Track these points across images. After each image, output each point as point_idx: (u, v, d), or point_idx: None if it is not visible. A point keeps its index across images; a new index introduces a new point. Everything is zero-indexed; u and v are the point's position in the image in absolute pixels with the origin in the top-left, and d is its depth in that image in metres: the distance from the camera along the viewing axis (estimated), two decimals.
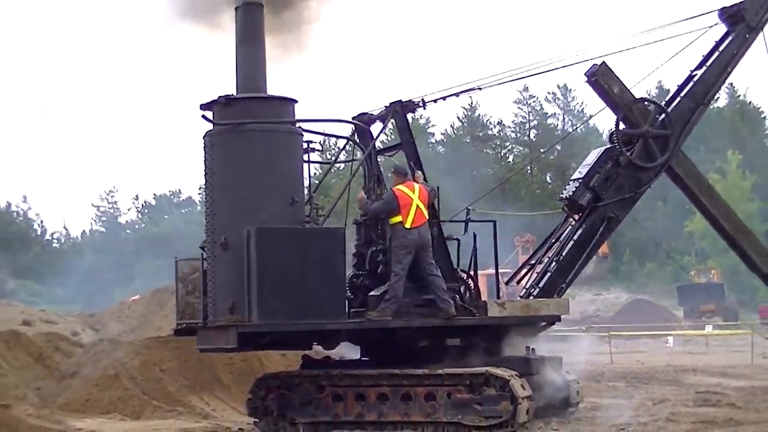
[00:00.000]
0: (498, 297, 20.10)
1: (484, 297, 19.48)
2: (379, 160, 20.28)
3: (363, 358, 19.32)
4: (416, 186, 18.06)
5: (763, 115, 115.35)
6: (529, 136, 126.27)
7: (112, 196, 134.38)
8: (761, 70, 22.29)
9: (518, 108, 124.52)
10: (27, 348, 23.27)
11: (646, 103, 21.19)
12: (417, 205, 17.78)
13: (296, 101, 18.23)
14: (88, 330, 27.92)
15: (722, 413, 18.93)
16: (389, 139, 23.64)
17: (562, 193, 21.04)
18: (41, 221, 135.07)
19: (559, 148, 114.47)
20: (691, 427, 17.10)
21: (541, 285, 20.09)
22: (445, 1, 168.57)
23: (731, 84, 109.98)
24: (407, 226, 17.72)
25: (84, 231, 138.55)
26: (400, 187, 17.99)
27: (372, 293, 18.05)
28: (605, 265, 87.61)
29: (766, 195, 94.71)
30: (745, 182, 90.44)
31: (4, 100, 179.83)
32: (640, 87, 21.06)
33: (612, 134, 20.66)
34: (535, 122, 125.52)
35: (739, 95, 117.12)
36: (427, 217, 17.93)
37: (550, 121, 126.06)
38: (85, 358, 23.11)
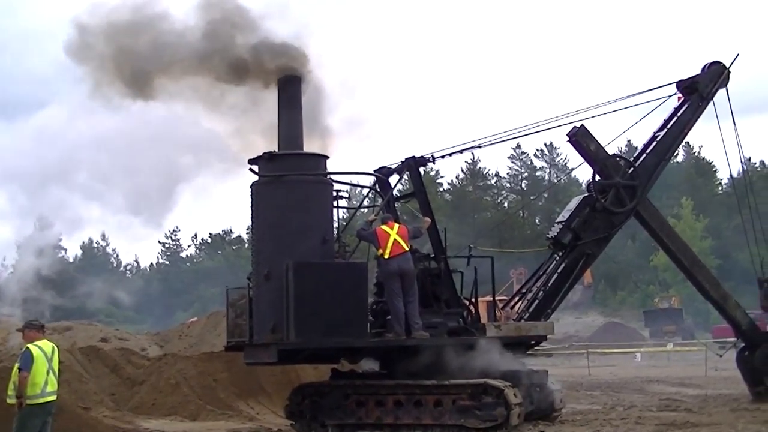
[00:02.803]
0: (495, 320, 19.99)
1: (483, 320, 19.41)
2: (396, 205, 20.28)
3: (382, 371, 19.24)
4: (395, 225, 18.09)
5: (714, 169, 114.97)
6: (521, 185, 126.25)
7: (175, 235, 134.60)
8: (712, 131, 22.19)
9: (512, 162, 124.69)
10: (104, 360, 23.23)
11: (617, 158, 21.14)
12: (394, 239, 17.77)
13: (328, 157, 18.30)
14: (154, 346, 27.83)
15: (681, 417, 18.77)
16: (404, 188, 23.63)
17: (549, 234, 21.00)
18: (117, 255, 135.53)
19: (546, 195, 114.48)
20: (655, 429, 16.96)
21: (530, 310, 20.02)
22: (452, 74, 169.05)
23: (688, 142, 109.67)
24: (386, 256, 17.74)
25: (152, 263, 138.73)
26: (381, 226, 18.04)
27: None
28: (589, 292, 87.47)
29: (717, 234, 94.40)
30: (699, 224, 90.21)
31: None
32: (613, 145, 20.99)
33: (589, 185, 20.63)
34: (526, 174, 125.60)
35: (695, 152, 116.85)
36: (406, 249, 17.84)
37: (538, 173, 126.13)
38: (152, 369, 23.06)
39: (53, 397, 13.87)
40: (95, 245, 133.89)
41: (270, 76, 18.45)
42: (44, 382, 13.65)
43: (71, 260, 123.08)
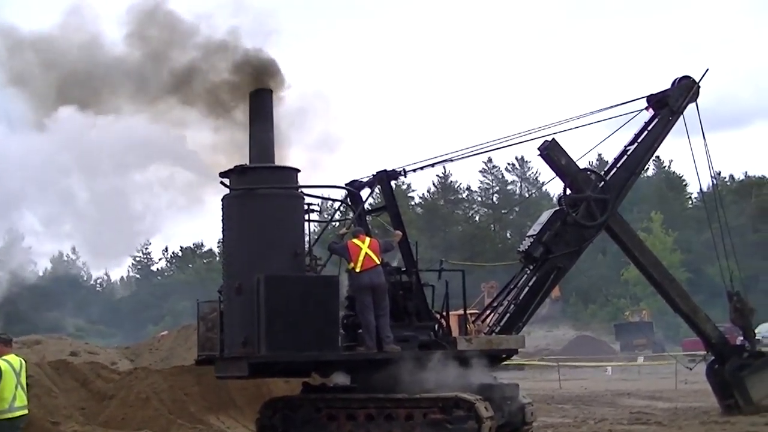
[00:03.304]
0: (466, 333, 19.99)
1: (454, 333, 19.40)
2: (367, 219, 20.27)
3: (353, 385, 19.18)
4: (367, 238, 18.10)
5: (684, 183, 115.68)
6: (492, 199, 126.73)
7: (146, 248, 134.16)
8: (683, 146, 22.38)
9: (483, 176, 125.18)
10: (74, 374, 23.08)
11: (588, 172, 21.24)
12: (366, 253, 17.77)
13: (299, 170, 18.25)
14: (124, 360, 27.74)
15: (651, 430, 18.87)
16: (376, 201, 23.64)
17: (520, 247, 21.03)
18: (87, 268, 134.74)
19: (517, 209, 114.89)
20: None
21: (501, 324, 20.02)
22: (424, 88, 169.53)
23: (658, 157, 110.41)
24: (357, 270, 17.74)
25: (122, 277, 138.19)
26: (353, 239, 18.04)
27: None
28: (558, 306, 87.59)
29: (687, 248, 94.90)
30: (668, 238, 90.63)
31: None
32: (584, 159, 21.13)
33: (561, 198, 20.70)
34: (498, 188, 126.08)
35: (665, 166, 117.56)
36: (378, 262, 17.85)
37: (509, 187, 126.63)
38: (122, 383, 22.92)
39: (22, 412, 13.74)
40: (65, 258, 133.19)
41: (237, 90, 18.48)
42: (12, 396, 13.52)
43: (41, 273, 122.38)
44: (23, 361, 14.01)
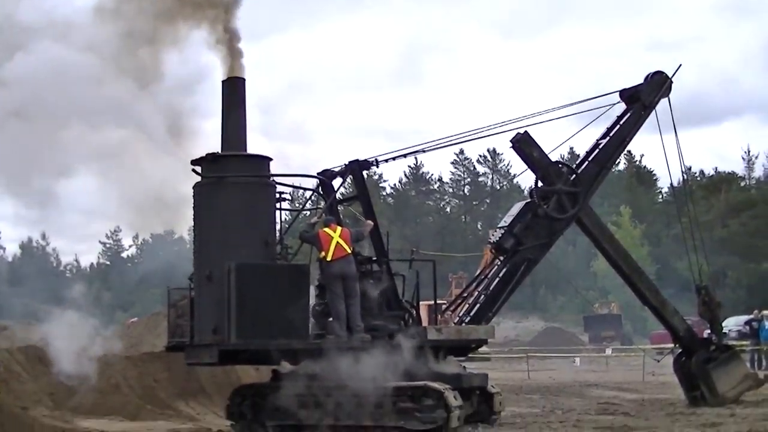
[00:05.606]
0: (436, 323, 20.03)
1: (424, 323, 19.45)
2: (339, 208, 20.28)
3: (322, 373, 19.18)
4: (338, 228, 18.14)
5: (655, 177, 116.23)
6: (463, 191, 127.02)
7: (116, 235, 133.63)
8: (654, 140, 22.49)
9: (455, 168, 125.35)
10: (43, 360, 23.00)
11: (560, 165, 21.29)
12: (337, 242, 17.80)
13: (271, 159, 18.23)
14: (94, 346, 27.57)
15: (619, 421, 18.97)
16: (347, 191, 23.64)
17: (491, 239, 21.09)
18: (57, 254, 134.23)
19: (488, 201, 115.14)
20: None
21: (471, 314, 20.07)
22: (396, 78, 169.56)
23: (629, 151, 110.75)
24: (328, 259, 17.76)
25: (92, 263, 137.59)
26: (324, 229, 18.06)
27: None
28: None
29: (656, 242, 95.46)
30: (636, 231, 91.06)
31: None
32: (556, 152, 21.15)
33: (532, 191, 20.74)
34: (469, 180, 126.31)
35: (636, 160, 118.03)
36: (349, 251, 17.88)
37: (481, 179, 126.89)
38: (92, 369, 22.88)
39: None
40: (35, 244, 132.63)
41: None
42: None
43: (10, 259, 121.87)
44: None
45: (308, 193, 20.94)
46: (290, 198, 19.61)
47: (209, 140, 18.40)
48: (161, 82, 18.37)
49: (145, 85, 18.13)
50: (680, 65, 22.36)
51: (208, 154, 17.76)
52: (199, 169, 17.93)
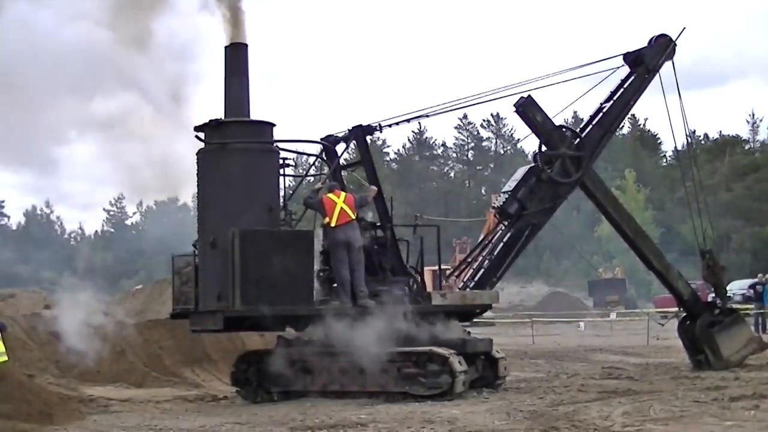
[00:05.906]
0: (440, 289, 20.04)
1: (429, 289, 19.47)
2: (342, 174, 20.26)
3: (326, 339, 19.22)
4: (342, 193, 18.13)
5: (659, 141, 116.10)
6: (467, 156, 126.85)
7: (120, 202, 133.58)
8: (658, 104, 22.42)
9: (459, 132, 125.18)
10: (48, 327, 23.05)
11: (564, 130, 21.19)
12: (341, 208, 17.82)
13: (274, 125, 18.19)
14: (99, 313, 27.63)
15: (623, 385, 18.96)
16: (351, 156, 23.59)
17: (494, 204, 21.04)
18: (61, 222, 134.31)
19: (492, 166, 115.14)
20: (597, 396, 17.09)
21: (476, 279, 20.08)
22: (400, 43, 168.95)
23: (633, 114, 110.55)
24: (332, 224, 17.79)
25: (96, 231, 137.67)
26: (328, 194, 18.04)
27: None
28: None
29: (661, 206, 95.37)
30: (640, 195, 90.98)
31: None
32: (560, 116, 21.05)
33: (536, 155, 20.68)
34: (473, 144, 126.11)
35: (640, 124, 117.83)
36: (353, 217, 17.92)
37: (485, 143, 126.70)
38: (97, 336, 22.93)
39: (2, 359, 13.95)
40: (39, 213, 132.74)
41: None
42: None
43: (14, 228, 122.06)
44: None
45: (312, 159, 20.92)
46: (294, 164, 19.52)
47: (213, 107, 18.35)
48: (161, 48, 18.30)
49: (146, 50, 18.06)
50: (684, 28, 22.23)
51: (211, 120, 17.71)
52: (202, 135, 17.89)
